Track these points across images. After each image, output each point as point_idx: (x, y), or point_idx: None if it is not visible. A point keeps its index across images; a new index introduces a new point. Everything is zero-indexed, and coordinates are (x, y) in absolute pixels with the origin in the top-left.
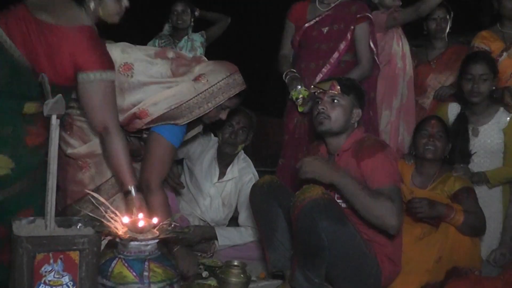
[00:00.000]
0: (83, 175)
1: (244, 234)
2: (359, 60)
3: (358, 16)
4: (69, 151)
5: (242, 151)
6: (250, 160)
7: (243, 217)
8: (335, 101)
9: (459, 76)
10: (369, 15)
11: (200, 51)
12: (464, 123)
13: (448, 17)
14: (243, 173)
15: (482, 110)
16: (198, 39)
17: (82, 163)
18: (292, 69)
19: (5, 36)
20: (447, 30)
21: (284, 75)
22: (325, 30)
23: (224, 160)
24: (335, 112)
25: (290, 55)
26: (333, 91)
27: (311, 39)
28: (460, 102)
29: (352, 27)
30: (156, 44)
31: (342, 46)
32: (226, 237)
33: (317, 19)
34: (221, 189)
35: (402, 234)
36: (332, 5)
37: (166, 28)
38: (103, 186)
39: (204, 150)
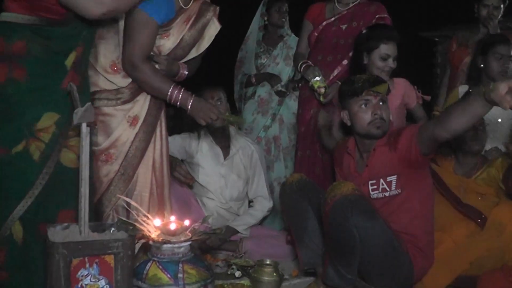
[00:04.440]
0: (111, 166)
1: (255, 211)
2: None
3: (378, 16)
4: (95, 148)
5: (232, 128)
6: (242, 133)
7: (253, 188)
8: (383, 103)
9: (481, 56)
10: (388, 16)
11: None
12: None
13: (501, 5)
14: (244, 146)
15: None
16: (294, 46)
17: (107, 156)
18: (307, 60)
19: None
20: (498, 18)
21: (299, 66)
22: (344, 27)
23: (222, 140)
24: (387, 114)
25: (306, 53)
26: (383, 93)
27: (330, 35)
28: (469, 83)
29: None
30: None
31: None
32: (242, 224)
33: (336, 16)
34: (231, 166)
35: (434, 225)
36: (351, 4)
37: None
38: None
39: (199, 141)
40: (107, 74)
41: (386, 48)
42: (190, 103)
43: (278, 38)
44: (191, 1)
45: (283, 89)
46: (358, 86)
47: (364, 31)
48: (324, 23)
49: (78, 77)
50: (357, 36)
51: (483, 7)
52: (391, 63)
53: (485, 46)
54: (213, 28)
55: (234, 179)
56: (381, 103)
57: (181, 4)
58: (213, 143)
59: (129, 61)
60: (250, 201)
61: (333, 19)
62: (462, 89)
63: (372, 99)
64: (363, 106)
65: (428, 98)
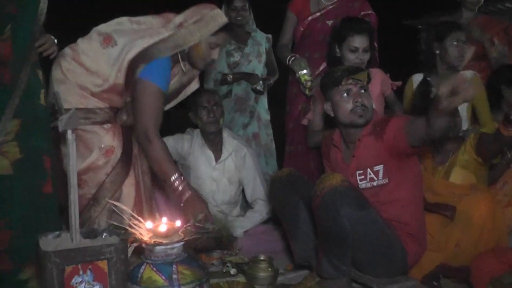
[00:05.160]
0: (82, 191)
1: (254, 213)
2: None
3: (363, 13)
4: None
5: (227, 130)
6: (236, 135)
7: (249, 192)
8: (364, 90)
9: (437, 42)
10: (373, 12)
11: (264, 58)
12: (428, 86)
13: None
14: (237, 148)
15: (445, 73)
16: (263, 43)
17: (79, 181)
18: (295, 54)
19: None
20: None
21: (287, 60)
22: (329, 22)
23: (213, 143)
24: (369, 101)
25: (290, 44)
26: (364, 81)
27: (315, 31)
28: (422, 71)
29: None
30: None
31: None
32: (240, 227)
33: (322, 11)
34: (222, 169)
35: (422, 212)
36: (335, 0)
37: None
38: (103, 186)
39: (192, 143)
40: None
41: (354, 40)
42: (186, 197)
43: (245, 35)
44: (190, 69)
45: (261, 89)
46: (337, 76)
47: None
48: (310, 18)
49: (9, 74)
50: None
51: None
52: (361, 55)
53: (442, 32)
54: (193, 87)
55: (225, 183)
56: (362, 91)
57: (183, 69)
58: (205, 146)
59: (144, 133)
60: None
61: (318, 14)
62: (417, 77)
63: (352, 87)
64: (344, 95)
65: (399, 84)
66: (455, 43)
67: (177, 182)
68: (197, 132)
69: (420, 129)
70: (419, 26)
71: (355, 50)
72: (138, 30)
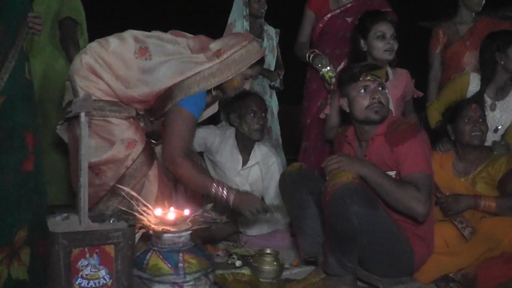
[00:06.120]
0: (100, 180)
1: (271, 223)
2: None
3: (382, 10)
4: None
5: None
6: (268, 142)
7: (268, 199)
8: (382, 88)
9: (489, 50)
10: (392, 11)
11: (276, 53)
12: (481, 98)
13: None
14: (266, 156)
15: (501, 83)
16: (274, 37)
17: (98, 171)
18: (315, 50)
19: None
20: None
21: (307, 56)
22: (349, 20)
23: (245, 147)
24: (385, 99)
25: (308, 42)
26: (382, 78)
27: (336, 27)
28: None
29: None
30: None
31: None
32: (250, 228)
33: (341, 9)
34: (247, 176)
35: (433, 214)
36: None
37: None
38: (123, 180)
39: (223, 141)
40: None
41: (380, 27)
42: (233, 199)
43: (259, 29)
44: (220, 94)
45: (279, 85)
46: (356, 71)
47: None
48: (329, 15)
49: None
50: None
51: None
52: (390, 41)
53: (504, 41)
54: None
55: (247, 189)
56: (380, 88)
57: (213, 94)
58: (236, 149)
59: (170, 157)
60: None
61: (338, 11)
62: (474, 77)
63: (370, 84)
64: (361, 91)
65: (421, 94)
66: (380, 35)
67: (219, 190)
68: (231, 131)
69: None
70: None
71: (383, 36)
72: (175, 53)
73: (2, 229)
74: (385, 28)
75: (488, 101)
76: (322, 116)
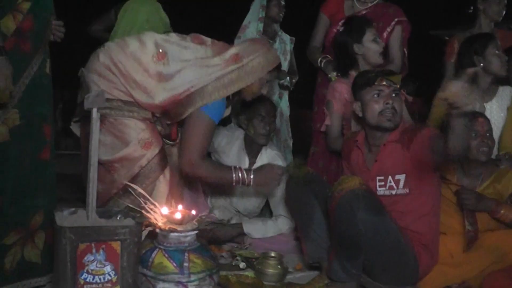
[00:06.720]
0: (112, 177)
1: (275, 225)
2: (391, 59)
3: (397, 19)
4: (103, 158)
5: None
6: (275, 147)
7: (274, 206)
8: (396, 94)
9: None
10: (407, 19)
11: (289, 57)
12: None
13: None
14: (272, 160)
15: (485, 86)
16: (288, 43)
17: (111, 168)
18: (327, 55)
19: None
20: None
21: (319, 61)
22: None
23: (253, 150)
24: (399, 106)
25: (321, 47)
26: (397, 84)
27: None
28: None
29: (389, 29)
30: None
31: None
32: (255, 231)
33: (356, 15)
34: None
35: (439, 224)
36: (370, 4)
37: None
38: (136, 179)
39: (230, 142)
40: None
41: (372, 31)
42: (252, 180)
43: (273, 32)
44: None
45: (288, 84)
46: (371, 76)
47: (340, 30)
48: (344, 20)
49: (30, 44)
50: (333, 38)
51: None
52: (382, 45)
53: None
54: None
55: (251, 192)
56: (394, 95)
57: (233, 100)
58: (244, 151)
59: (189, 160)
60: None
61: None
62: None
63: (385, 89)
64: (375, 96)
65: (410, 99)
66: (497, 52)
67: (238, 175)
68: (240, 133)
69: (442, 145)
70: (446, 38)
71: (376, 40)
72: (194, 59)
73: (18, 211)
74: (375, 32)
75: (477, 104)
76: (323, 128)
